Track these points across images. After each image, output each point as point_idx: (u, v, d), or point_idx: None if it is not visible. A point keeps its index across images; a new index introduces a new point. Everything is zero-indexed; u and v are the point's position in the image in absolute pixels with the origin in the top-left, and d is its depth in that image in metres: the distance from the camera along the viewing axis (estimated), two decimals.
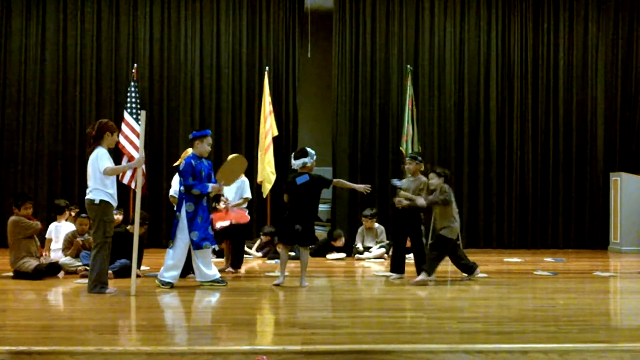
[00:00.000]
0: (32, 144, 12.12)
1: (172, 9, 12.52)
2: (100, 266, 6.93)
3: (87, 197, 6.97)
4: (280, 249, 7.91)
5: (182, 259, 7.55)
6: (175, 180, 8.76)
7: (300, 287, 7.60)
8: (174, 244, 7.50)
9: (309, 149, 7.78)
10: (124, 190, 10.61)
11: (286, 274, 7.83)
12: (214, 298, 7.04)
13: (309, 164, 7.69)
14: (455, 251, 8.27)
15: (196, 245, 7.49)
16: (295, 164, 7.70)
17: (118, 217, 8.89)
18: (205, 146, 7.65)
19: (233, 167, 7.92)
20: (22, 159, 12.10)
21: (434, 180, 8.13)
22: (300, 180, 7.60)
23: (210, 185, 7.55)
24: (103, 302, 6.54)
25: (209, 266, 7.64)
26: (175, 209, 7.84)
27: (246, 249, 10.58)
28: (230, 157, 8.27)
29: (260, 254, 10.95)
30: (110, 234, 7.01)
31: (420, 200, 8.03)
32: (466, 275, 8.34)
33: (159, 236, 12.03)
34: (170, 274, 7.48)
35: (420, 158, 8.63)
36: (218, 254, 10.02)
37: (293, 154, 7.87)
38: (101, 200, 6.89)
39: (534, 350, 4.75)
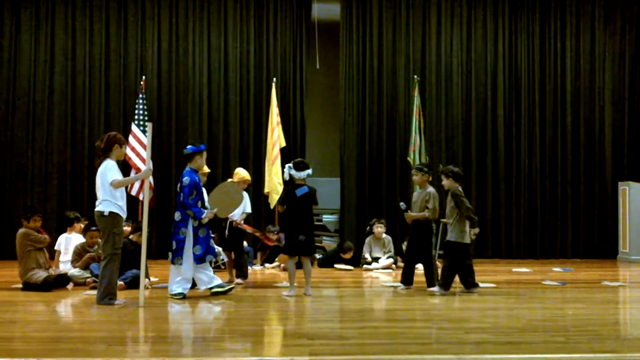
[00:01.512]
0: (41, 156, 12.18)
1: (180, 21, 12.60)
2: (110, 277, 6.96)
3: (96, 209, 7.00)
4: (289, 260, 7.94)
5: (192, 272, 7.62)
6: None
7: (307, 297, 7.63)
8: (182, 260, 7.55)
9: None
10: (132, 202, 10.63)
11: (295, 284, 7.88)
12: (221, 309, 7.05)
13: (309, 176, 7.92)
14: (464, 261, 8.07)
15: (199, 258, 7.58)
16: (299, 175, 7.81)
17: (127, 229, 8.91)
18: (204, 160, 7.90)
19: (226, 195, 7.98)
20: (31, 171, 12.16)
21: (445, 182, 8.08)
22: (300, 192, 7.76)
23: (205, 212, 7.63)
24: (112, 313, 6.56)
25: (209, 271, 7.74)
26: (177, 223, 7.76)
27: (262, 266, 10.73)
28: (223, 184, 8.32)
29: (271, 265, 10.96)
30: (120, 246, 7.04)
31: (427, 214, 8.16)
32: (464, 288, 8.18)
33: (169, 248, 12.02)
34: (181, 286, 7.54)
35: (426, 169, 8.60)
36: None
37: (292, 164, 7.93)
38: (111, 212, 6.93)
39: None
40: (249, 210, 9.34)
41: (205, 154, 7.90)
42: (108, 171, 6.96)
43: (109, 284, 6.96)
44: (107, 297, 6.93)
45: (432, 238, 8.38)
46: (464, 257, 7.94)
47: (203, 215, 7.57)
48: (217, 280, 7.76)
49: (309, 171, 7.86)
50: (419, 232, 8.31)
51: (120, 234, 7.05)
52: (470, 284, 8.07)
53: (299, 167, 7.83)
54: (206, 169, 8.92)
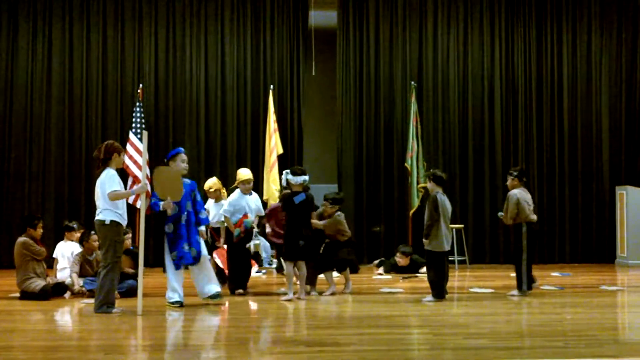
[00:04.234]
0: (38, 166, 12.16)
1: (177, 29, 12.61)
2: (109, 286, 6.96)
3: (97, 217, 7.02)
4: (286, 265, 8.02)
5: (174, 278, 7.50)
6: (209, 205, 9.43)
7: (303, 303, 7.69)
8: (166, 266, 7.57)
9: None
10: (130, 210, 10.62)
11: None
12: (219, 316, 7.05)
13: (307, 182, 8.09)
14: (445, 267, 8.08)
15: (176, 265, 7.49)
16: (296, 180, 7.97)
17: (127, 242, 8.84)
18: (179, 164, 7.55)
19: (165, 181, 7.42)
20: (29, 179, 12.14)
21: (428, 185, 8.21)
22: (298, 199, 7.92)
23: (161, 203, 7.40)
24: (109, 322, 6.55)
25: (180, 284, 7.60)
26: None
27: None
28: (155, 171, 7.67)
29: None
30: (120, 254, 7.07)
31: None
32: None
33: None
34: (174, 294, 7.50)
35: (515, 173, 8.57)
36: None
37: (289, 170, 8.09)
38: (112, 221, 6.95)
39: None
40: (261, 213, 8.94)
41: (180, 157, 7.60)
42: (108, 181, 6.97)
43: (108, 293, 6.96)
44: (104, 305, 6.93)
45: (522, 241, 8.32)
46: (443, 264, 7.93)
47: (160, 208, 7.39)
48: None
49: (306, 177, 8.04)
50: (514, 236, 8.42)
51: (121, 242, 7.09)
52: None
53: (295, 173, 8.01)
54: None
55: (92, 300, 7.40)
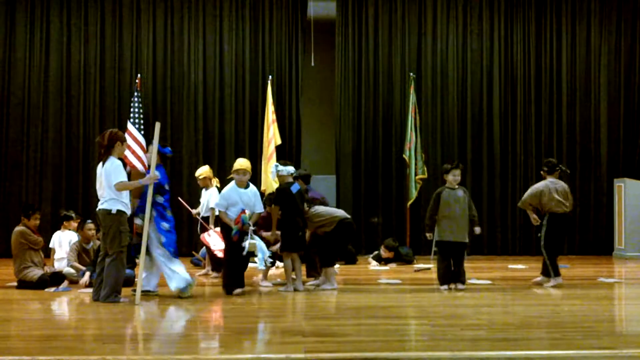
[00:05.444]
0: (36, 155, 12.16)
1: (175, 19, 12.58)
2: (116, 275, 6.95)
3: (101, 206, 6.97)
4: (285, 257, 7.96)
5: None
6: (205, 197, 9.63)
7: (301, 294, 7.71)
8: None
9: None
10: None
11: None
12: (217, 306, 7.04)
13: (294, 173, 8.13)
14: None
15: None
16: (287, 170, 7.96)
17: None
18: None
19: None
20: (26, 168, 12.13)
21: (452, 177, 8.40)
22: (294, 189, 7.88)
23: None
24: (107, 311, 6.54)
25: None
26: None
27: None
28: None
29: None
30: (126, 244, 7.05)
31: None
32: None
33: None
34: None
35: (546, 168, 8.71)
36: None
37: (278, 163, 8.12)
38: (118, 210, 6.92)
39: (538, 357, 4.75)
40: (259, 210, 8.13)
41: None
42: (114, 171, 6.93)
43: (115, 282, 6.96)
44: (112, 294, 6.92)
45: (541, 229, 8.46)
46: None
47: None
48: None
49: (292, 168, 8.05)
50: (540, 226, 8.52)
51: (126, 231, 7.06)
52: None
53: (285, 164, 8.05)
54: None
55: (89, 290, 7.40)
